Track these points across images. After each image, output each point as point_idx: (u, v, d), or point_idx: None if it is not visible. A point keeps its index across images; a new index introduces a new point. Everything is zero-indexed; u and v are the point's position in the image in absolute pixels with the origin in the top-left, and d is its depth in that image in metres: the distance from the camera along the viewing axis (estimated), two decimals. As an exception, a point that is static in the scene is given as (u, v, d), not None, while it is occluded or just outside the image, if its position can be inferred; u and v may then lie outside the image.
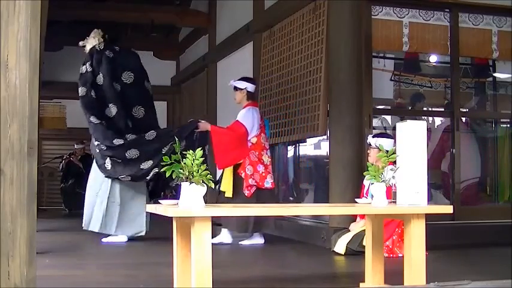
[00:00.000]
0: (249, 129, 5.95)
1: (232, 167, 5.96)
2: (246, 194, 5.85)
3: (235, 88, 6.15)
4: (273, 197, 6.15)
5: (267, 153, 6.08)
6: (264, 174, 5.96)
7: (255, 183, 5.90)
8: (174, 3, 10.91)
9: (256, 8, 8.29)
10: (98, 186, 6.19)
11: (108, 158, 5.98)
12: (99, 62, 6.09)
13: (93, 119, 5.93)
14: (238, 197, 5.86)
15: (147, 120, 6.14)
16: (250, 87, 6.15)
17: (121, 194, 6.15)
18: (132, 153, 5.85)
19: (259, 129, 6.08)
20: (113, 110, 6.02)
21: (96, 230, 6.15)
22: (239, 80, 6.21)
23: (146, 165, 5.83)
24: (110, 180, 6.10)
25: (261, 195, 5.89)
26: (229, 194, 5.92)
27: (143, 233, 6.23)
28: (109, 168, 5.97)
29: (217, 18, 10.39)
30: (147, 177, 5.94)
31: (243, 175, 5.91)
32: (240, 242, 6.08)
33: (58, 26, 10.11)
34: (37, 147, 2.21)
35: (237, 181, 5.95)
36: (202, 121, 6.11)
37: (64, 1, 8.96)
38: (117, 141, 5.88)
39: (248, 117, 5.98)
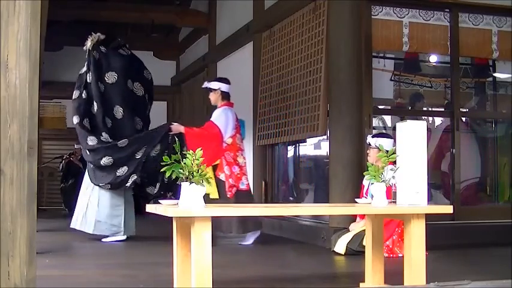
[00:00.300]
0: (222, 129, 5.92)
1: (212, 168, 5.94)
2: (228, 196, 5.83)
3: (210, 89, 6.16)
4: (249, 198, 6.06)
5: (242, 154, 6.06)
6: (239, 175, 5.95)
7: (234, 184, 5.90)
8: (174, 3, 10.91)
9: (256, 8, 8.29)
10: (85, 186, 6.40)
11: (90, 165, 6.23)
12: (89, 62, 6.28)
13: (75, 119, 6.17)
14: (222, 198, 5.85)
15: (125, 120, 6.22)
16: (224, 87, 6.14)
17: (99, 194, 6.27)
18: (106, 160, 6.02)
19: (235, 130, 6.05)
20: (95, 107, 6.19)
21: (77, 228, 6.32)
22: (213, 81, 6.25)
23: (121, 171, 6.00)
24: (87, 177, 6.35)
25: (237, 196, 5.86)
26: (215, 195, 5.87)
27: (121, 234, 6.30)
28: (92, 174, 6.21)
29: (217, 18, 10.39)
30: (126, 185, 6.07)
31: (221, 176, 5.90)
32: (239, 243, 6.08)
33: (58, 26, 10.11)
34: (37, 147, 2.21)
35: (217, 183, 5.94)
36: (175, 123, 6.17)
37: (64, 1, 8.96)
38: (91, 140, 6.06)
39: (222, 118, 5.97)
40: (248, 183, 6.10)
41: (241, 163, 6.03)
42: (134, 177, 5.99)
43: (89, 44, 6.25)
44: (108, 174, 6.07)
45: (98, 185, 6.19)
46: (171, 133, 5.99)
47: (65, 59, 11.85)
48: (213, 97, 6.16)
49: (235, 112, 6.18)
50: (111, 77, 6.23)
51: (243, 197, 5.88)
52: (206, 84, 6.22)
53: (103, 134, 6.10)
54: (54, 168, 12.59)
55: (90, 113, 6.20)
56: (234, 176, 5.90)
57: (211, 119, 6.03)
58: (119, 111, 6.20)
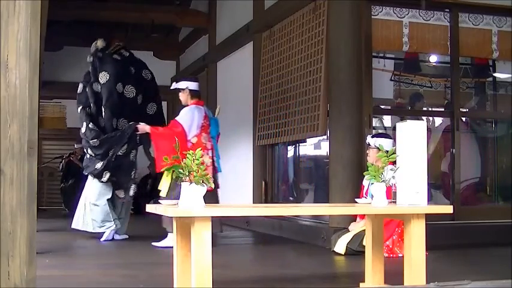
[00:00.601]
0: (186, 128, 5.85)
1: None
2: None
3: (178, 90, 6.10)
4: (212, 198, 5.64)
5: (208, 154, 5.91)
6: None
7: None
8: (174, 3, 10.90)
9: (256, 8, 8.29)
10: (85, 186, 6.64)
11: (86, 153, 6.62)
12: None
13: (79, 109, 6.53)
14: None
15: (106, 120, 6.40)
16: (192, 85, 6.07)
17: (92, 193, 6.45)
18: (89, 151, 6.44)
19: (200, 129, 5.94)
20: (91, 105, 6.52)
21: (79, 228, 6.47)
22: (180, 80, 6.19)
23: (98, 165, 6.33)
24: (89, 179, 6.56)
25: None
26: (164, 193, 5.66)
27: (113, 225, 6.38)
28: (85, 163, 6.59)
29: (217, 18, 10.39)
30: (102, 179, 6.36)
31: None
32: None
33: (58, 26, 10.11)
34: (37, 147, 2.21)
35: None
36: (141, 123, 6.17)
37: (64, 1, 8.96)
38: (83, 127, 6.44)
39: (187, 117, 5.90)
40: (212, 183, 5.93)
41: (207, 162, 5.92)
42: (108, 173, 6.30)
43: (92, 50, 6.57)
44: (92, 165, 6.39)
45: (86, 173, 6.51)
46: (138, 133, 6.18)
47: (65, 59, 11.85)
48: (183, 97, 6.09)
49: (205, 110, 6.07)
50: (103, 77, 6.44)
51: (205, 197, 5.68)
52: (174, 85, 6.16)
53: (94, 125, 6.38)
54: (54, 168, 12.59)
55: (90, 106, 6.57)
56: None
57: (176, 117, 6.00)
58: (102, 111, 6.42)
